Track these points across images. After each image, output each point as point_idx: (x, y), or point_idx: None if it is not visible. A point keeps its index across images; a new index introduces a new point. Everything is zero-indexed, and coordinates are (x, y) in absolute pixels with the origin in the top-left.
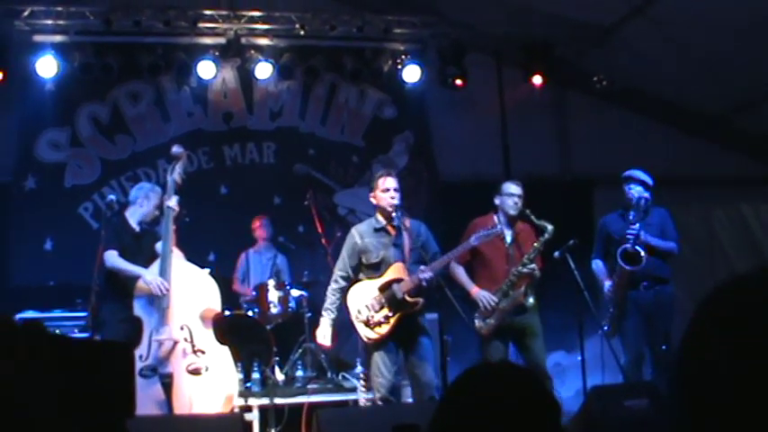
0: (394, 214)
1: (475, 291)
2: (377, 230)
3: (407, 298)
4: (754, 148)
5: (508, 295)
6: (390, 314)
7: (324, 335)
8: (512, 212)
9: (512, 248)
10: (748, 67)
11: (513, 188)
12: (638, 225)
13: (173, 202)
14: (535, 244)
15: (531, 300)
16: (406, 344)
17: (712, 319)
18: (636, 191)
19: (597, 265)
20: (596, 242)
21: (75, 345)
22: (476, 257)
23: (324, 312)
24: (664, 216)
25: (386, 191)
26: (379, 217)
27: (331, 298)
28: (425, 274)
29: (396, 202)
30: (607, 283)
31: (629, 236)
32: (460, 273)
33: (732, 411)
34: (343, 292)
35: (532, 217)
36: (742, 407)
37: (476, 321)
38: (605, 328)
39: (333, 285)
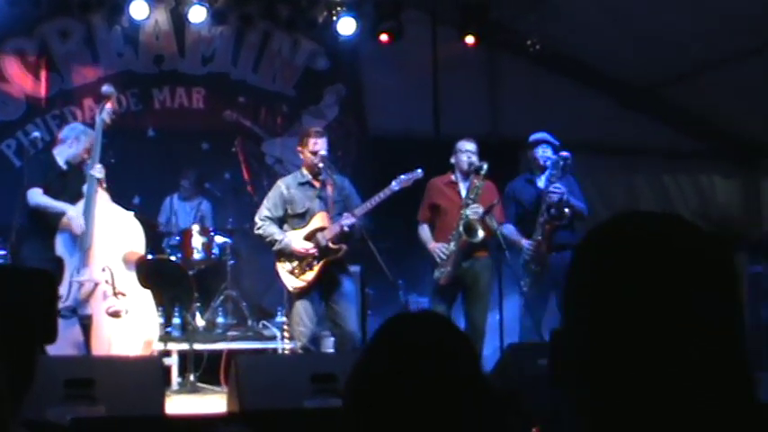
0: (320, 170)
1: (430, 246)
2: (302, 184)
3: (331, 245)
4: (681, 122)
5: (459, 240)
6: (315, 261)
7: (298, 240)
8: (465, 167)
9: (465, 199)
10: (680, 40)
11: (466, 145)
12: (558, 183)
13: (97, 171)
14: (475, 181)
15: (479, 234)
16: (329, 292)
17: (584, 255)
18: (548, 153)
19: (509, 228)
20: (506, 208)
21: None
22: (435, 214)
23: (276, 241)
24: (571, 181)
25: (314, 153)
26: (305, 171)
27: (270, 228)
28: (348, 220)
29: (322, 164)
30: (525, 242)
31: (553, 192)
32: (423, 231)
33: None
34: (275, 224)
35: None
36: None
37: (435, 273)
38: (526, 289)
39: (262, 222)
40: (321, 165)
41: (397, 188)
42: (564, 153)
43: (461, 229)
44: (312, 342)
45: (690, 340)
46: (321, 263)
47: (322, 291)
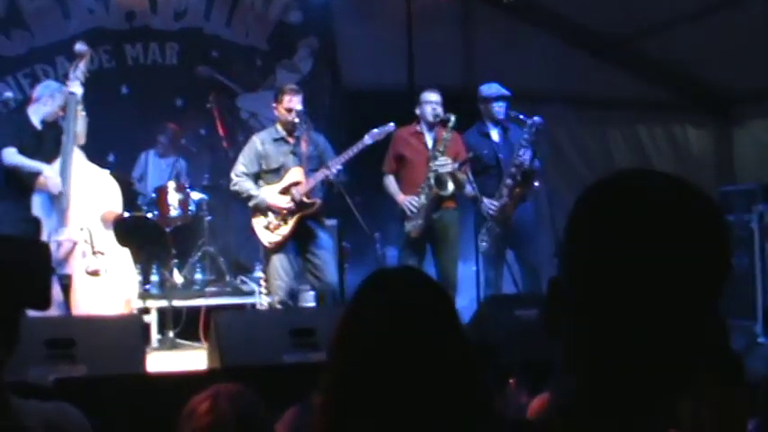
0: (295, 127)
1: (400, 198)
2: (276, 140)
3: (305, 199)
4: (653, 73)
5: (429, 192)
6: (289, 216)
7: (273, 195)
8: (430, 118)
9: (432, 157)
10: None
11: (430, 96)
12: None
13: (76, 86)
14: (443, 133)
15: (449, 187)
16: (306, 246)
17: (586, 206)
18: (503, 109)
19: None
20: None
21: None
22: (401, 165)
23: (251, 196)
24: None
25: (289, 110)
26: (280, 127)
27: (245, 184)
28: (321, 173)
29: (297, 121)
30: (488, 201)
31: (522, 158)
32: (390, 182)
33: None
34: (250, 179)
35: (440, 116)
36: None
37: (406, 225)
38: (484, 245)
39: (237, 178)
40: (296, 121)
41: (369, 141)
42: (536, 118)
43: (432, 181)
44: (290, 296)
45: (682, 285)
46: (296, 217)
47: (298, 245)
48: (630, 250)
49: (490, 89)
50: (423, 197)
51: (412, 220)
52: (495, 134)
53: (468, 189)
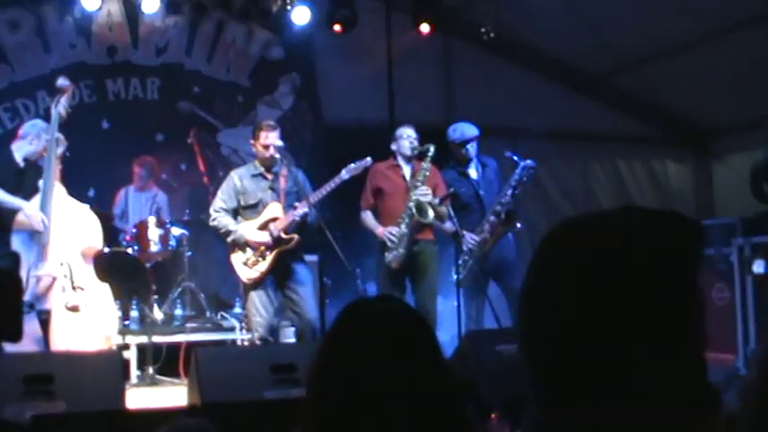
0: (273, 162)
1: (380, 231)
2: (254, 176)
3: (284, 235)
4: (634, 109)
5: (409, 222)
6: (268, 252)
7: (252, 230)
8: (407, 152)
9: (412, 186)
10: (632, 27)
11: (407, 131)
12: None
13: (56, 126)
14: (422, 164)
15: (429, 215)
16: (284, 282)
17: (546, 254)
18: (475, 147)
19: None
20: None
21: None
22: (379, 198)
23: (230, 232)
24: (497, 170)
25: (266, 147)
26: (258, 164)
27: (224, 219)
28: (299, 209)
29: (277, 156)
30: (468, 235)
31: (508, 197)
32: (367, 217)
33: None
34: (229, 215)
35: (418, 148)
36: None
37: (386, 257)
38: (457, 276)
39: (216, 213)
40: (276, 156)
41: (347, 176)
42: (529, 162)
43: (413, 209)
44: (270, 333)
45: (651, 333)
46: (274, 253)
47: (276, 280)
48: (596, 290)
49: (455, 132)
50: (403, 226)
51: (392, 251)
52: (473, 172)
53: (449, 225)
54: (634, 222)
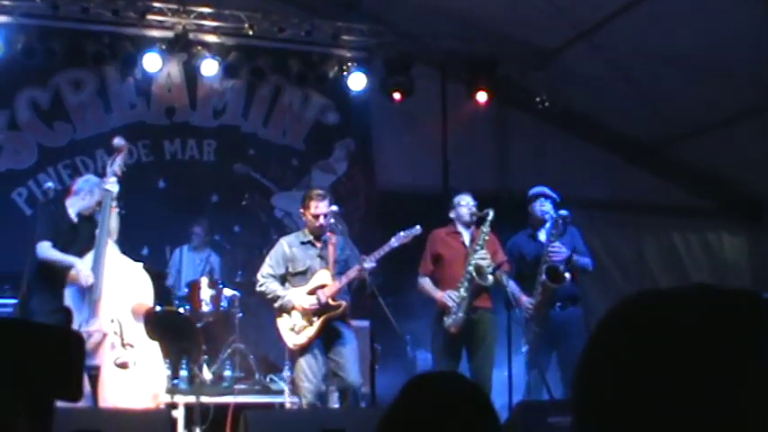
0: (322, 231)
1: (439, 295)
2: (303, 243)
3: (331, 301)
4: (688, 180)
5: (469, 285)
6: (315, 318)
7: (300, 296)
8: (467, 218)
9: (471, 251)
10: (685, 98)
11: (465, 198)
12: (558, 243)
13: (112, 184)
14: (482, 228)
15: (489, 278)
16: (330, 346)
17: (601, 342)
18: (547, 208)
19: (512, 285)
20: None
21: (32, 328)
22: (438, 265)
23: (277, 297)
24: (574, 234)
25: (316, 216)
26: (307, 232)
27: (272, 285)
28: (352, 271)
29: (325, 225)
30: (526, 299)
31: (553, 253)
32: (426, 283)
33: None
34: (276, 280)
35: (477, 214)
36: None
37: (445, 321)
38: (525, 348)
39: (264, 279)
40: (324, 224)
41: (396, 244)
42: (563, 212)
43: (473, 273)
44: (318, 398)
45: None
46: (321, 319)
47: (323, 346)
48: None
49: (534, 190)
50: (462, 290)
51: (452, 315)
52: (542, 234)
53: (512, 287)
54: (707, 304)
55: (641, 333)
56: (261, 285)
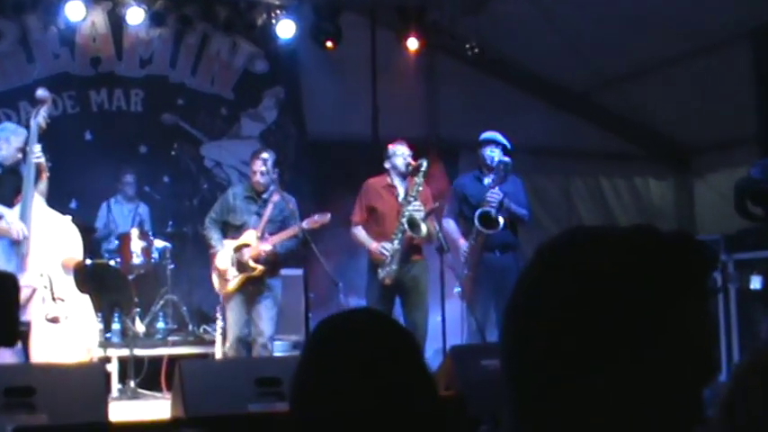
0: (263, 189)
1: (373, 246)
2: (246, 197)
3: (251, 263)
4: (616, 125)
5: (402, 237)
6: (236, 273)
7: (223, 256)
8: (402, 169)
9: (405, 203)
10: (614, 45)
11: (400, 148)
12: (497, 189)
13: (37, 150)
14: (415, 179)
15: (423, 229)
16: (250, 302)
17: (532, 280)
18: (495, 153)
19: (449, 224)
20: (450, 203)
21: None
22: (372, 217)
23: (211, 246)
24: (518, 184)
25: (254, 173)
26: (251, 186)
27: (212, 232)
28: (264, 245)
29: (262, 181)
30: (463, 243)
31: (490, 199)
32: (359, 232)
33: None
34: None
35: (412, 165)
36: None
37: (379, 273)
38: (458, 290)
39: (208, 223)
40: (260, 183)
41: (306, 227)
42: (504, 158)
43: (405, 224)
44: (240, 344)
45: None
46: (240, 277)
47: (245, 298)
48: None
49: (484, 135)
50: (396, 242)
51: (386, 267)
52: (488, 180)
53: (450, 228)
54: (643, 243)
55: (576, 270)
56: (204, 228)
